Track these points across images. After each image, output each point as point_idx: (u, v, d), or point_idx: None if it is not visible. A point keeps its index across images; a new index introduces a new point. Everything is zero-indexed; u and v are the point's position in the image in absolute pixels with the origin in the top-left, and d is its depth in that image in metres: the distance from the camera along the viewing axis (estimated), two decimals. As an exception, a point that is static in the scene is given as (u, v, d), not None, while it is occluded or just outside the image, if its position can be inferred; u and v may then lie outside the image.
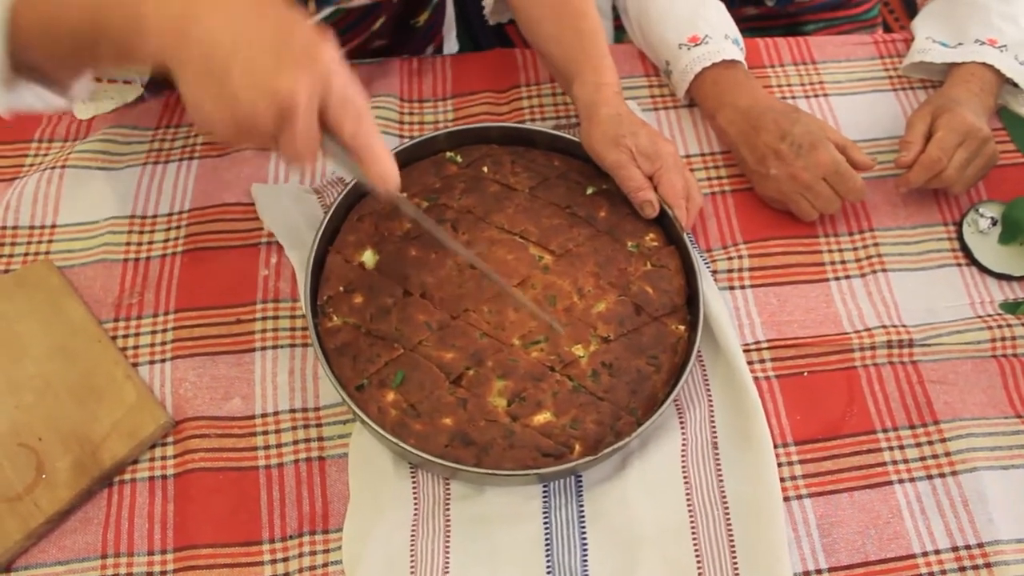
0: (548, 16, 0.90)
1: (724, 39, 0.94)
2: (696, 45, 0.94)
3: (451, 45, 1.25)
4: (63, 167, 0.92)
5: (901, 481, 0.78)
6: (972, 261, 0.90)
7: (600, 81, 0.86)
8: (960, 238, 0.91)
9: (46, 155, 0.95)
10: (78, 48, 0.60)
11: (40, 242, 0.89)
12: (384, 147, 0.59)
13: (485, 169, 0.89)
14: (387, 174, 0.59)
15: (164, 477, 0.77)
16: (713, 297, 0.84)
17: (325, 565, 0.74)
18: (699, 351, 0.83)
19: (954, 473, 0.78)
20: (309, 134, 0.55)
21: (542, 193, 0.88)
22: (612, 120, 0.84)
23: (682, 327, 0.82)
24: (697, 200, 0.86)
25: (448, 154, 0.90)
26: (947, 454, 0.79)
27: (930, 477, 0.78)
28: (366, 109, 0.58)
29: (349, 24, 0.93)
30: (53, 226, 0.90)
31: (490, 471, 0.73)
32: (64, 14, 0.58)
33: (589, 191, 0.89)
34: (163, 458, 0.78)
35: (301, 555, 0.74)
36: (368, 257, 0.83)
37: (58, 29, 0.59)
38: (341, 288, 0.81)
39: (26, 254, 0.88)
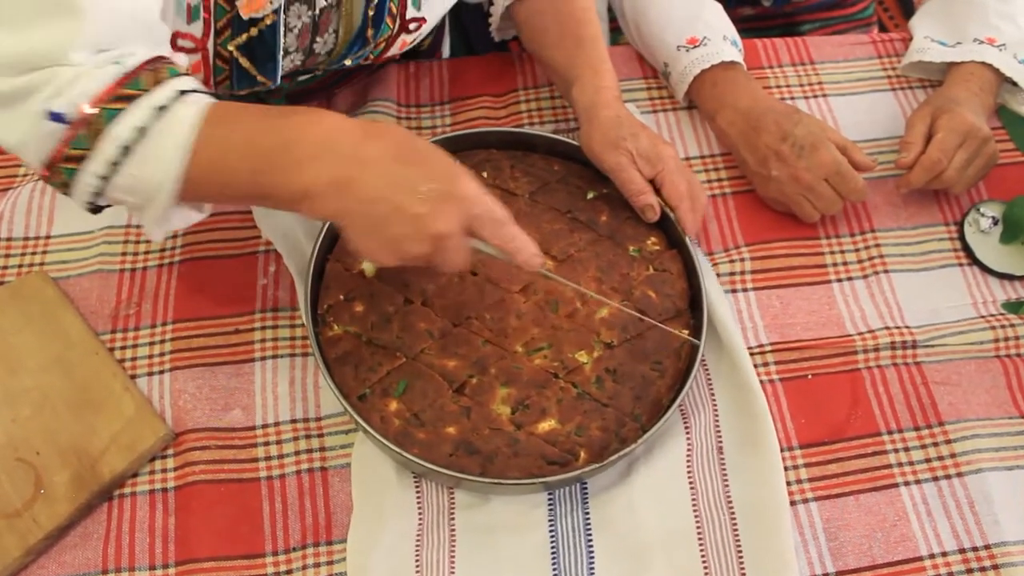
0: (551, 25, 0.90)
1: (723, 40, 0.94)
2: (695, 47, 0.94)
3: (444, 50, 1.23)
4: (57, 176, 0.91)
5: (907, 483, 0.78)
6: (974, 261, 0.90)
7: (599, 84, 0.86)
8: (962, 238, 0.91)
9: (39, 164, 0.94)
10: (250, 203, 0.71)
11: (35, 253, 0.88)
12: (524, 238, 0.69)
13: (484, 175, 0.88)
14: (532, 261, 0.69)
15: (164, 490, 0.76)
16: (719, 300, 0.84)
17: (329, 577, 0.73)
18: (703, 356, 0.82)
19: (959, 475, 0.78)
20: (460, 252, 0.66)
21: (542, 198, 0.87)
22: (612, 123, 0.84)
23: (685, 331, 0.81)
24: (702, 201, 0.85)
25: None
26: (952, 455, 0.79)
27: (936, 479, 0.78)
28: (504, 217, 0.68)
29: (352, 69, 0.93)
30: (47, 237, 0.89)
31: (495, 480, 0.72)
32: (233, 181, 0.65)
33: (589, 195, 0.88)
34: (163, 471, 0.77)
35: (305, 567, 0.73)
36: (368, 265, 0.82)
37: (232, 195, 0.68)
38: (341, 296, 0.80)
39: (20, 266, 0.87)
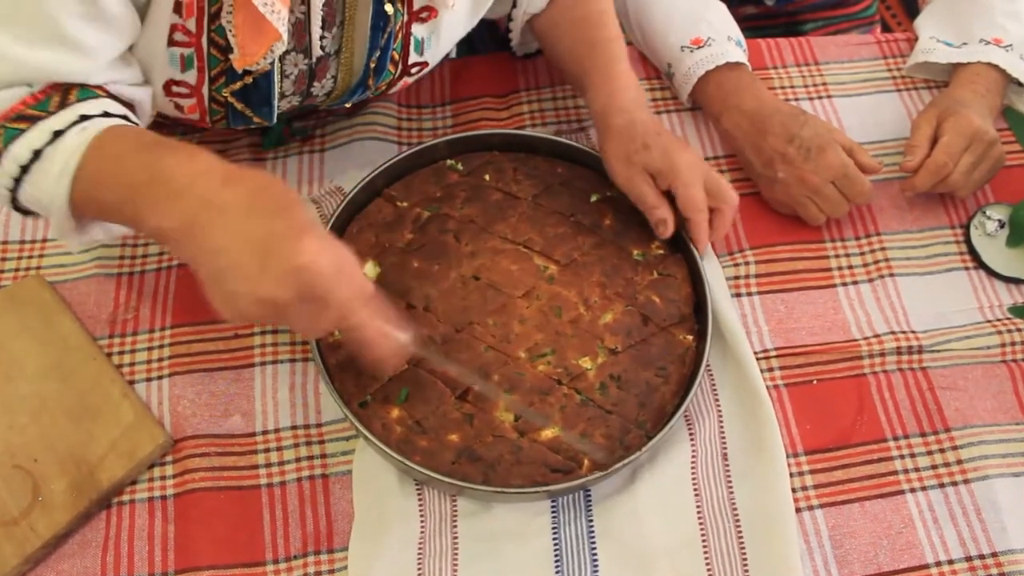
0: (565, 33, 0.88)
1: (727, 41, 0.93)
2: (699, 47, 0.93)
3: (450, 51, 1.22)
4: (54, 179, 0.90)
5: (913, 490, 0.77)
6: (980, 264, 0.89)
7: (611, 89, 0.83)
8: (968, 241, 0.90)
9: (36, 167, 0.93)
10: (134, 228, 0.69)
11: (31, 257, 0.87)
12: (379, 332, 0.65)
13: (487, 177, 0.87)
14: (384, 361, 0.67)
15: (164, 498, 0.76)
16: (726, 305, 0.83)
17: (330, 585, 0.73)
18: (708, 362, 0.81)
19: (966, 481, 0.78)
20: (309, 320, 0.61)
21: (546, 201, 0.86)
22: (624, 131, 0.81)
23: (690, 337, 0.80)
24: (725, 211, 0.81)
25: (449, 162, 0.88)
26: (959, 462, 0.78)
27: (942, 485, 0.77)
28: (365, 294, 0.63)
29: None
30: (44, 240, 0.88)
31: (498, 489, 0.72)
32: (107, 209, 0.67)
33: (593, 198, 0.87)
34: (162, 478, 0.77)
35: (306, 575, 0.73)
36: (369, 269, 0.81)
37: (111, 219, 0.69)
38: (342, 302, 0.79)
39: (17, 270, 0.86)
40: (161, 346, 0.82)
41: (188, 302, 0.84)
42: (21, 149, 0.66)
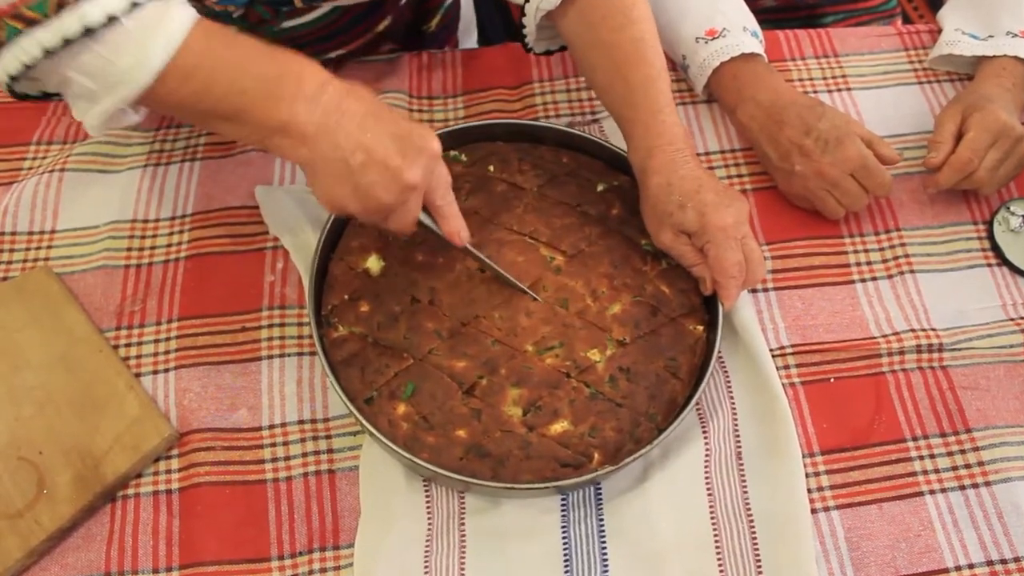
0: (601, 63, 0.81)
1: (743, 32, 0.91)
2: (714, 39, 0.91)
3: (464, 39, 1.21)
4: (62, 170, 0.90)
5: (932, 492, 0.75)
6: (1003, 261, 0.87)
7: (651, 144, 0.78)
8: (991, 237, 0.88)
9: (44, 158, 0.92)
10: (211, 124, 0.69)
11: (39, 248, 0.86)
12: (457, 211, 0.73)
13: (491, 168, 0.86)
14: (459, 236, 0.74)
15: (169, 492, 0.75)
16: (742, 301, 0.81)
17: (336, 582, 0.72)
18: (720, 355, 0.80)
19: (987, 483, 0.76)
20: (414, 212, 0.70)
21: (551, 191, 0.85)
22: (660, 193, 0.77)
23: (700, 327, 0.79)
24: (755, 277, 0.77)
25: (452, 153, 0.87)
26: (980, 463, 0.77)
27: (963, 488, 0.76)
28: (450, 183, 0.73)
29: (347, 23, 0.90)
30: (52, 231, 0.87)
31: (508, 485, 0.70)
32: (212, 93, 0.65)
33: (600, 188, 0.86)
34: (167, 472, 0.76)
35: (311, 572, 0.72)
36: (373, 263, 0.80)
37: (201, 107, 0.66)
38: (346, 296, 0.78)
39: (24, 261, 0.86)
40: (168, 338, 0.82)
41: (195, 294, 0.84)
42: (94, 9, 0.60)
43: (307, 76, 0.65)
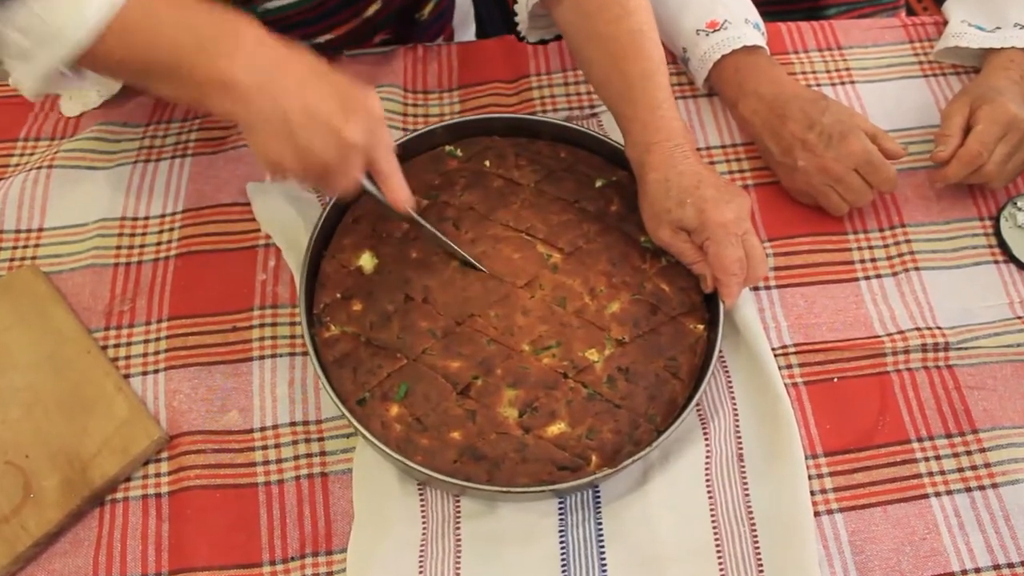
0: (597, 57, 0.79)
1: (744, 24, 0.89)
2: (715, 31, 0.89)
3: (462, 32, 1.19)
4: (50, 167, 0.88)
5: (938, 494, 0.74)
6: (1010, 258, 0.85)
7: (650, 140, 0.76)
8: (997, 233, 0.86)
9: (32, 154, 0.91)
10: (149, 82, 0.67)
11: (26, 247, 0.85)
12: (400, 175, 0.71)
13: (487, 163, 0.84)
14: (404, 202, 0.72)
15: (158, 495, 0.74)
16: (744, 299, 0.79)
17: (328, 588, 0.70)
18: (721, 355, 0.78)
19: (994, 485, 0.74)
20: (354, 173, 0.68)
21: (548, 187, 0.83)
22: (658, 190, 0.76)
23: (701, 326, 0.77)
24: (758, 273, 0.76)
25: (447, 148, 0.85)
26: (987, 465, 0.75)
27: (969, 490, 0.74)
28: (393, 147, 0.71)
29: (335, 6, 0.88)
30: (40, 230, 0.86)
31: (503, 488, 0.69)
32: (153, 49, 0.64)
33: (598, 183, 0.84)
34: (157, 475, 0.75)
35: (303, 577, 0.71)
36: (366, 261, 0.78)
37: (138, 66, 0.65)
38: (338, 295, 0.77)
39: (11, 260, 0.84)
40: (157, 339, 0.80)
41: (186, 293, 0.82)
42: None
43: (245, 33, 0.64)
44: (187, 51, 0.63)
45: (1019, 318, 0.82)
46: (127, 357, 0.79)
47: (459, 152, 0.85)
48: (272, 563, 0.71)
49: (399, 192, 0.71)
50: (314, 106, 0.64)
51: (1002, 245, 0.86)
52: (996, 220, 0.87)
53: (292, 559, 0.71)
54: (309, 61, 0.66)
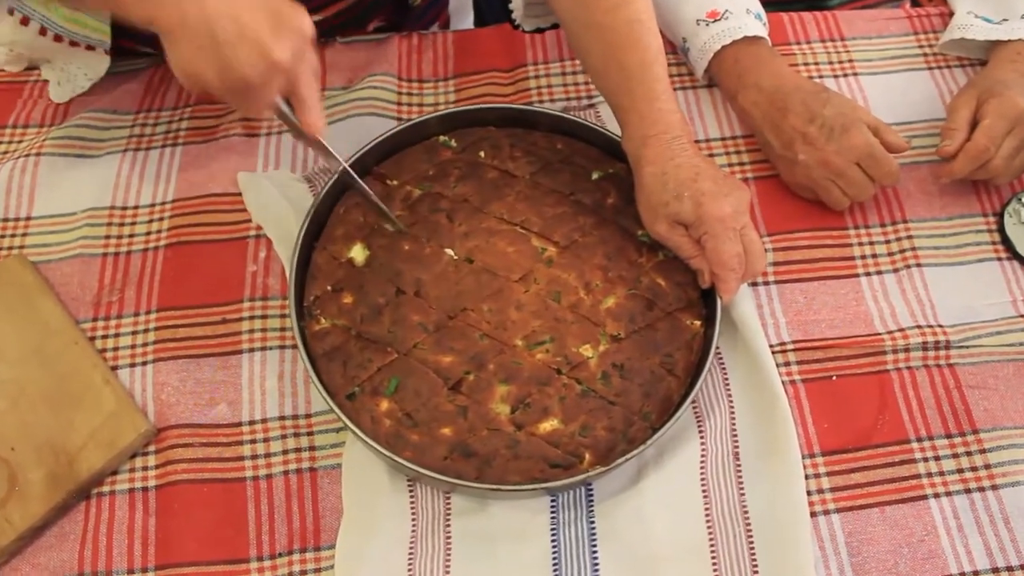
0: (595, 47, 0.78)
1: (746, 14, 0.88)
2: (715, 20, 0.87)
3: (461, 21, 1.17)
4: (38, 154, 0.87)
5: (937, 495, 0.73)
6: (1014, 255, 0.84)
7: (646, 133, 0.75)
8: (1001, 230, 0.85)
9: (20, 141, 0.90)
10: None
11: (14, 235, 0.84)
12: (319, 102, 0.69)
13: (482, 154, 0.83)
14: (317, 124, 0.69)
15: (145, 489, 0.73)
16: (741, 294, 0.78)
17: (316, 585, 0.69)
18: (718, 350, 0.77)
19: (994, 487, 0.73)
20: (272, 95, 0.66)
21: (544, 179, 0.81)
22: (655, 183, 0.74)
23: (698, 322, 0.76)
24: (756, 268, 0.74)
25: (442, 138, 0.84)
26: (987, 466, 0.74)
27: (968, 491, 0.73)
28: (319, 71, 0.69)
29: None
30: (28, 218, 0.85)
31: (493, 487, 0.68)
32: None
33: (595, 176, 0.82)
34: (144, 468, 0.74)
35: (291, 574, 0.70)
36: (357, 252, 0.77)
37: None
38: (329, 287, 0.75)
39: (-1, 248, 0.83)
40: (146, 330, 0.79)
41: (175, 284, 0.81)
42: None
43: None
44: None
45: (1022, 316, 0.80)
46: (115, 349, 0.78)
47: (453, 143, 0.84)
48: (260, 559, 0.70)
49: (314, 117, 0.68)
50: (245, 20, 0.61)
51: (1006, 242, 0.84)
52: (1000, 216, 0.85)
53: (280, 555, 0.70)
54: None
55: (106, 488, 0.73)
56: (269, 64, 0.62)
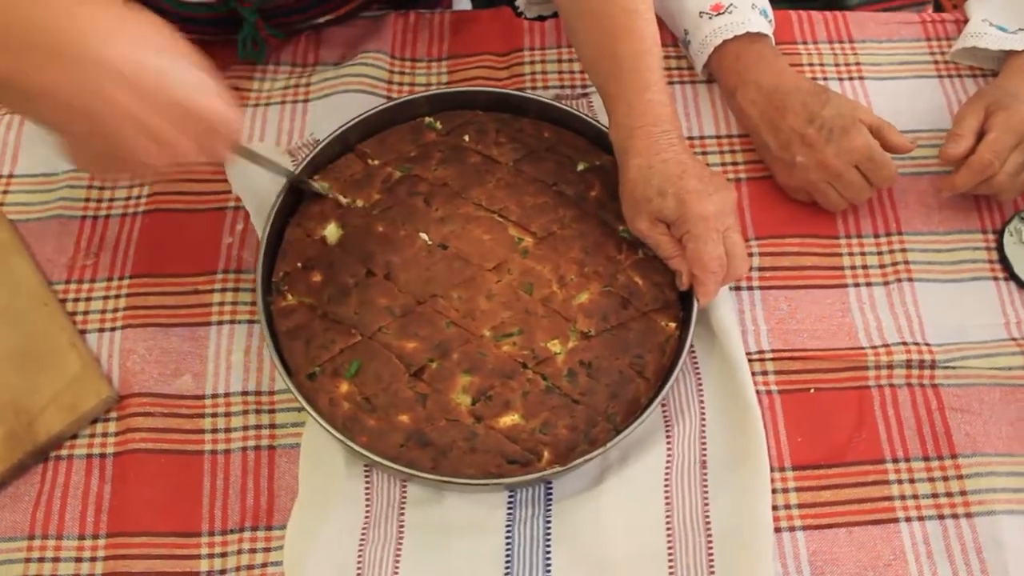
0: (589, 35, 0.75)
1: (751, 9, 0.85)
2: (719, 14, 0.85)
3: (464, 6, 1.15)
4: (25, 112, 0.86)
5: (908, 519, 0.70)
6: (1011, 276, 0.80)
7: (634, 124, 0.73)
8: (1000, 249, 0.81)
9: (8, 99, 0.89)
10: None
11: (-7, 192, 0.83)
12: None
13: (467, 138, 0.81)
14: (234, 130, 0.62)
15: (103, 456, 0.72)
16: (722, 298, 0.76)
17: (264, 565, 0.68)
18: (694, 355, 0.75)
19: (968, 515, 0.70)
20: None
21: (527, 167, 0.79)
22: (639, 176, 0.72)
23: (673, 324, 0.74)
24: (738, 272, 0.72)
25: (428, 120, 0.82)
26: (963, 492, 0.71)
27: (941, 517, 0.70)
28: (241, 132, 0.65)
29: None
30: (10, 176, 0.84)
31: (447, 478, 0.66)
32: None
33: (580, 167, 0.80)
34: (104, 435, 0.73)
35: (240, 552, 0.69)
36: (331, 231, 0.76)
37: None
38: (299, 264, 0.74)
39: (-22, 205, 0.83)
40: (117, 296, 0.78)
41: (150, 251, 0.80)
42: None
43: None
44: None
45: (1014, 340, 0.77)
46: (85, 312, 0.78)
47: (439, 124, 0.82)
48: (211, 534, 0.69)
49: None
50: (144, 123, 0.54)
51: (1003, 261, 0.81)
52: (1000, 234, 0.82)
53: (232, 531, 0.70)
54: (141, 36, 0.56)
55: (64, 452, 0.72)
56: (177, 163, 0.58)
